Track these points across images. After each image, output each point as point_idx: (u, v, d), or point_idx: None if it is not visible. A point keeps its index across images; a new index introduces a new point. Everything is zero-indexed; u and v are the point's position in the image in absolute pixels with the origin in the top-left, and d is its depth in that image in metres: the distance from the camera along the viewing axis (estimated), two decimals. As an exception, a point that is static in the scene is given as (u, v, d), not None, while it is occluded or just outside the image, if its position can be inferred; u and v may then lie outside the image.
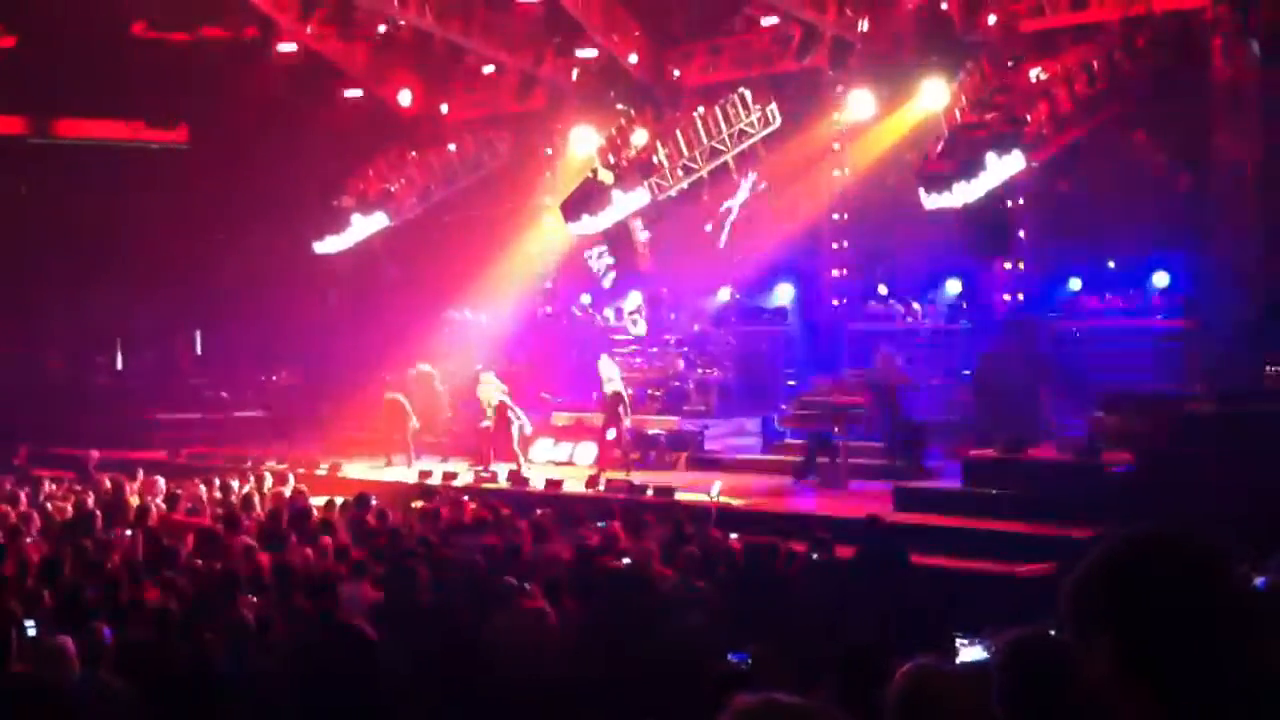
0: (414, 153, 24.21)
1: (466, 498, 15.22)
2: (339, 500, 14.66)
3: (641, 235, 21.14)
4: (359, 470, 20.31)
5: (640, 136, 20.61)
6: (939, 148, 16.86)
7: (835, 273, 22.78)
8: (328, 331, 25.40)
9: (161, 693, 6.60)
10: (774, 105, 19.99)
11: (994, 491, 14.31)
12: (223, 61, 24.39)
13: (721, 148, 20.04)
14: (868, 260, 22.21)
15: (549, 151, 24.37)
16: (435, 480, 18.38)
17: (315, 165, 24.52)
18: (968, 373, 19.38)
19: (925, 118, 18.77)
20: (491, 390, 20.15)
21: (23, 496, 15.34)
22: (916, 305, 21.19)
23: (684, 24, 21.99)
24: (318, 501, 14.94)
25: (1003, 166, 16.14)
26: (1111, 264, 20.48)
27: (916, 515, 14.13)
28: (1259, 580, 4.06)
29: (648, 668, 6.99)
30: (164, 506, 14.63)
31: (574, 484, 17.70)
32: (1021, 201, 19.28)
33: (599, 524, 12.76)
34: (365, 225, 23.48)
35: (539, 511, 13.09)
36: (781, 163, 21.39)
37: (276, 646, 7.72)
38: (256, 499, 15.43)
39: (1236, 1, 16.19)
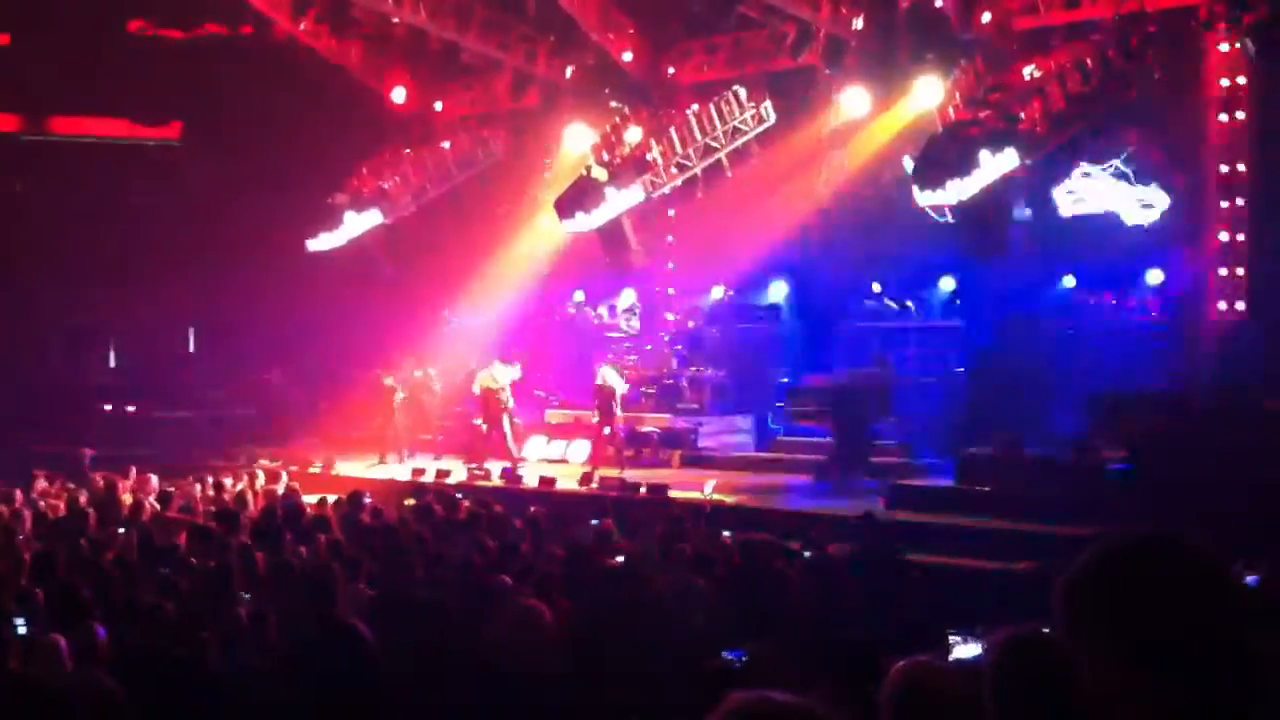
0: (408, 150, 24.19)
1: (460, 495, 15.22)
2: (332, 498, 14.65)
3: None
4: (353, 468, 20.31)
5: (634, 134, 20.60)
6: (933, 145, 16.86)
7: (829, 270, 22.79)
8: (321, 329, 25.37)
9: (155, 692, 6.58)
10: (768, 103, 20.00)
11: (988, 489, 14.34)
12: (217, 59, 24.36)
13: (715, 145, 20.04)
14: (862, 257, 22.21)
15: (544, 152, 24.37)
16: (429, 478, 18.38)
17: (309, 163, 24.48)
18: (962, 370, 19.41)
19: (919, 115, 18.77)
20: (499, 375, 20.25)
21: (17, 495, 15.30)
22: (910, 303, 21.20)
23: (679, 21, 21.97)
24: (311, 499, 14.93)
25: (996, 164, 16.14)
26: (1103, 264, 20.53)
27: (911, 513, 14.15)
28: (1251, 578, 4.07)
29: (642, 666, 6.99)
30: (157, 504, 14.61)
31: (568, 481, 17.71)
32: (1016, 199, 19.31)
33: (593, 522, 12.77)
34: (359, 223, 23.45)
35: (533, 509, 13.09)
36: (775, 160, 21.39)
37: (271, 645, 7.71)
38: (250, 497, 15.42)
39: (1230, -1, 16.22)
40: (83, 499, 14.92)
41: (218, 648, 7.51)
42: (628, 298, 24.44)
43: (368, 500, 14.14)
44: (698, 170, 20.15)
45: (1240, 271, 18.11)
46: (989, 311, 20.35)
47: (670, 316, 24.20)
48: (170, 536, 11.76)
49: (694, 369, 22.20)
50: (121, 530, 12.79)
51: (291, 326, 25.72)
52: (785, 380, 21.27)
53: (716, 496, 15.56)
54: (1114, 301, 19.71)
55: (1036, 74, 17.30)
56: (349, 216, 23.41)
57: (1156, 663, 1.95)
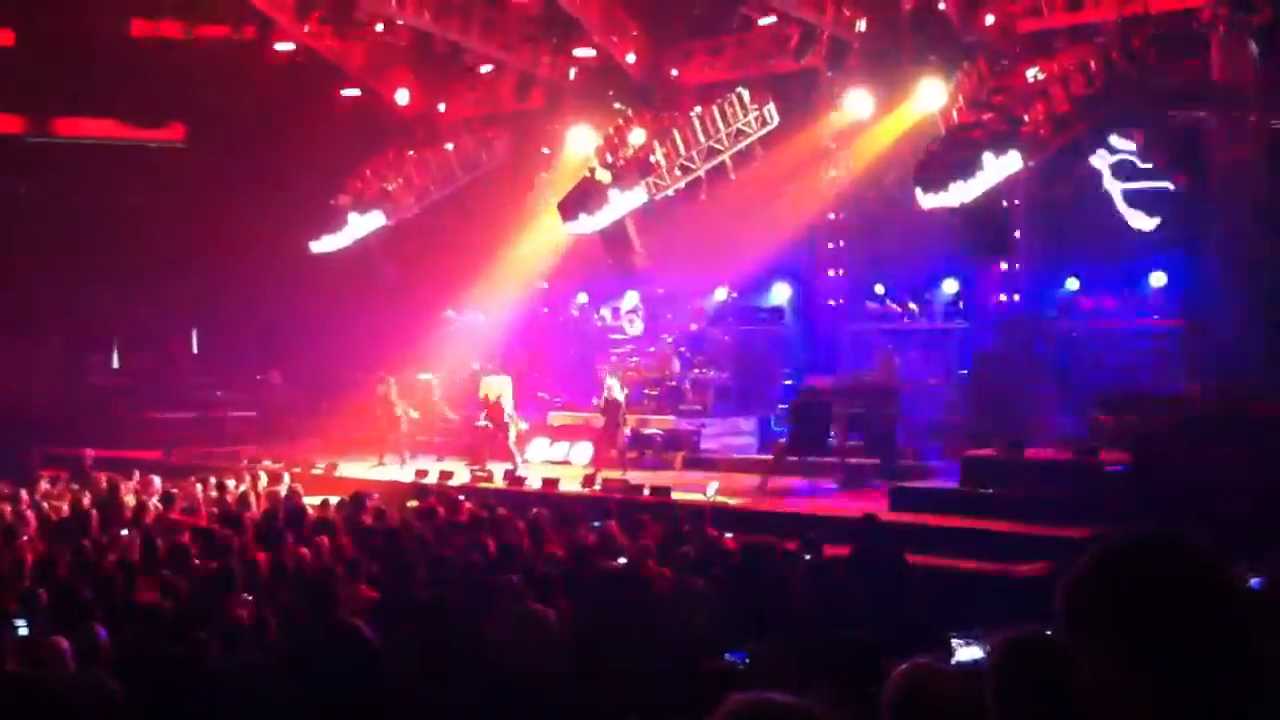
0: (411, 152, 24.18)
1: (463, 497, 15.21)
2: (334, 500, 14.66)
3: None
4: (355, 470, 20.31)
5: (638, 136, 20.60)
6: (936, 147, 16.86)
7: (832, 272, 22.80)
8: (324, 331, 25.38)
9: (157, 693, 6.58)
10: (771, 105, 19.99)
11: (991, 491, 14.33)
12: (220, 61, 24.36)
13: (719, 147, 20.03)
14: (865, 260, 22.21)
15: (546, 151, 24.38)
16: (432, 479, 18.37)
17: (312, 164, 24.49)
18: (965, 372, 19.40)
19: (923, 118, 18.77)
20: (495, 389, 20.27)
21: (23, 495, 15.30)
22: (913, 305, 21.20)
23: (682, 23, 21.96)
24: (313, 501, 14.94)
25: (1000, 166, 16.14)
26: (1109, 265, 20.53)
27: (913, 515, 14.14)
28: (1254, 580, 4.07)
29: (643, 666, 6.99)
30: (160, 506, 14.62)
31: (570, 483, 17.70)
32: (1018, 201, 19.32)
33: (595, 523, 12.77)
34: (362, 224, 23.46)
35: (535, 511, 13.08)
36: (779, 162, 21.39)
37: (273, 646, 7.71)
38: (252, 498, 15.44)
39: (1234, 1, 16.19)
40: (85, 500, 14.94)
41: (219, 648, 7.51)
42: (631, 300, 24.44)
43: (370, 502, 14.15)
44: (701, 172, 20.14)
45: (1245, 274, 18.08)
46: (992, 314, 20.36)
47: (668, 316, 24.19)
48: (173, 538, 11.76)
49: (697, 371, 22.20)
50: (124, 531, 12.81)
51: (294, 328, 25.74)
52: (789, 382, 21.29)
53: (719, 498, 15.55)
54: (1117, 304, 19.71)
55: (1040, 76, 17.29)
56: (352, 218, 23.41)
57: (1157, 663, 1.95)
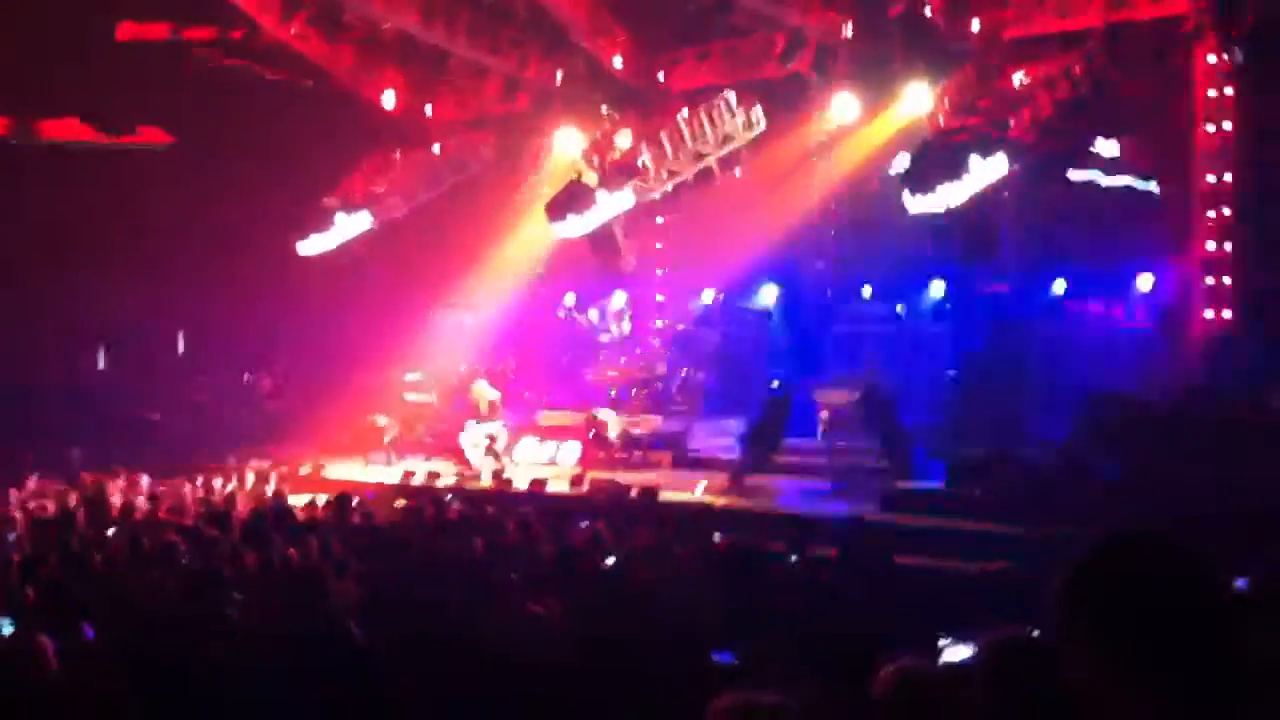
0: (398, 154, 24.17)
1: (450, 497, 15.22)
2: (321, 499, 14.65)
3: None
4: (342, 470, 20.29)
5: (625, 139, 20.63)
6: (923, 151, 16.93)
7: (819, 274, 22.84)
8: (311, 332, 25.35)
9: (145, 692, 6.59)
10: (759, 109, 20.02)
11: (977, 492, 14.38)
12: (207, 62, 24.31)
13: (706, 151, 20.06)
14: (852, 262, 22.26)
15: (535, 154, 24.39)
16: (419, 479, 18.36)
17: (299, 166, 24.45)
18: (951, 374, 19.46)
19: (909, 122, 18.83)
20: (484, 394, 20.24)
21: (12, 495, 15.27)
22: (900, 307, 21.25)
23: (669, 28, 22.00)
24: (299, 501, 14.93)
25: (986, 170, 16.21)
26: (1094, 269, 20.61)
27: (900, 516, 14.19)
28: (1239, 581, 4.11)
29: (631, 667, 7.01)
30: (147, 505, 14.60)
31: (558, 483, 17.71)
32: (1005, 205, 19.40)
33: (583, 523, 12.79)
34: (350, 226, 23.44)
35: (523, 511, 13.10)
36: (766, 166, 21.44)
37: (261, 645, 7.71)
38: (239, 498, 15.43)
39: (1218, 8, 16.29)
40: (73, 500, 14.91)
41: (208, 648, 7.51)
42: (618, 301, 24.47)
43: (356, 502, 14.15)
44: (688, 176, 20.17)
45: (1227, 280, 18.22)
46: (978, 316, 20.43)
47: (656, 323, 24.23)
48: (160, 537, 11.74)
49: (684, 372, 22.22)
50: (111, 531, 12.79)
51: (281, 328, 25.72)
52: (776, 384, 21.32)
53: (707, 498, 15.59)
54: (1103, 307, 19.79)
55: (1026, 82, 17.37)
56: (339, 219, 23.40)
57: (1144, 662, 1.98)
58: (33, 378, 26.50)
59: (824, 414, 18.13)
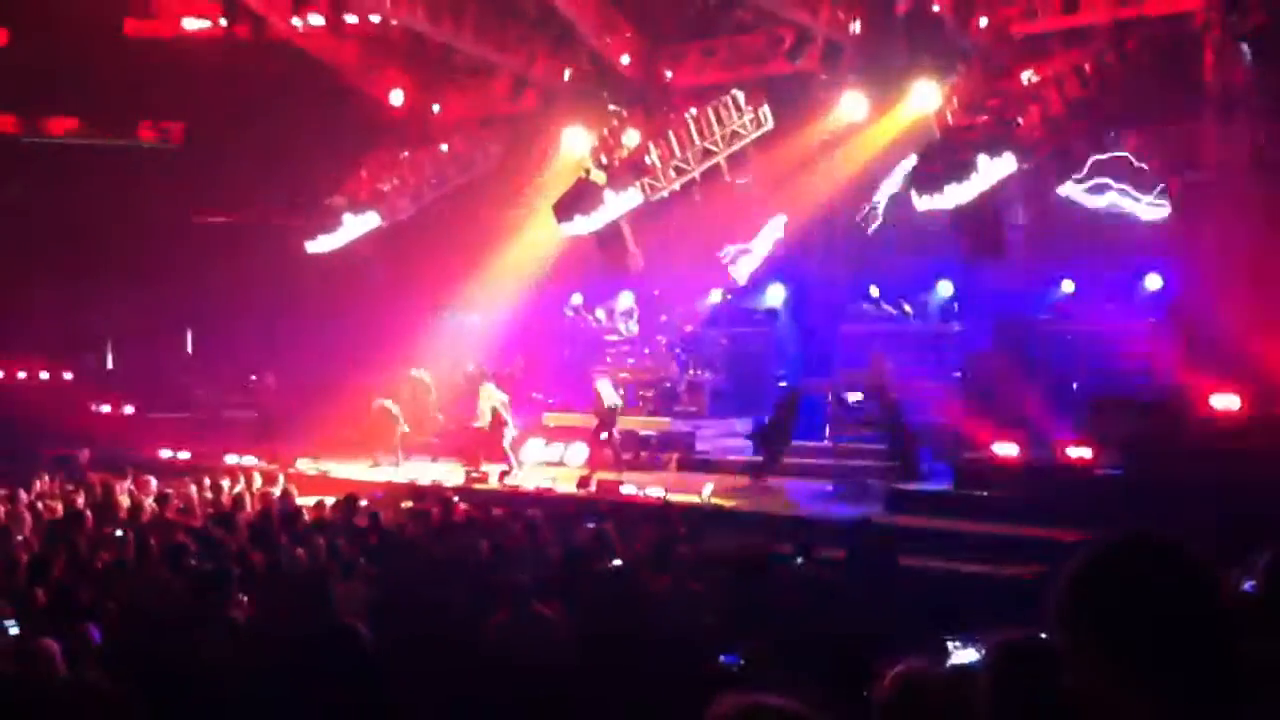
0: (406, 153, 24.17)
1: (457, 498, 15.22)
2: (329, 500, 14.65)
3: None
4: (349, 471, 20.30)
5: (632, 137, 20.61)
6: (931, 150, 16.89)
7: (826, 274, 22.80)
8: (319, 331, 25.38)
9: (152, 693, 6.59)
10: (766, 107, 20.00)
11: (984, 494, 14.34)
12: (214, 60, 24.34)
13: (714, 149, 20.04)
14: (859, 262, 22.22)
15: (542, 152, 24.39)
16: (426, 481, 18.37)
17: (307, 165, 24.48)
18: (959, 374, 19.41)
19: (917, 120, 18.79)
20: (492, 396, 20.23)
21: (21, 495, 15.26)
22: (908, 307, 21.21)
23: (676, 25, 21.98)
24: (307, 502, 14.93)
25: (994, 169, 16.17)
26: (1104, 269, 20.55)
27: (907, 517, 14.15)
28: (1247, 583, 4.08)
29: (637, 669, 7.00)
30: (155, 506, 14.62)
31: (565, 485, 17.70)
32: (1013, 204, 19.38)
33: (590, 525, 12.78)
34: (357, 225, 23.45)
35: (530, 512, 13.09)
36: (773, 164, 21.42)
37: (268, 646, 7.71)
38: (247, 499, 15.44)
39: (1227, 4, 16.24)
40: (80, 500, 14.92)
41: (215, 649, 7.51)
42: (626, 301, 24.45)
43: (364, 503, 14.15)
44: (696, 174, 20.15)
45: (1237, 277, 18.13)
46: (987, 316, 20.38)
47: (662, 318, 24.20)
48: (168, 538, 11.76)
49: (692, 373, 22.20)
50: (119, 532, 12.80)
51: (288, 328, 25.73)
52: (783, 384, 21.32)
53: (714, 500, 15.57)
54: (1112, 307, 19.74)
55: (1034, 79, 17.32)
56: (347, 218, 23.41)
57: (1146, 663, 1.97)
58: (40, 377, 26.58)
59: (830, 415, 18.13)
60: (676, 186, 20.19)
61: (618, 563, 10.52)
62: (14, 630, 8.02)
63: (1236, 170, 17.82)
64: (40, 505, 14.77)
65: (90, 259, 25.87)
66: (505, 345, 24.31)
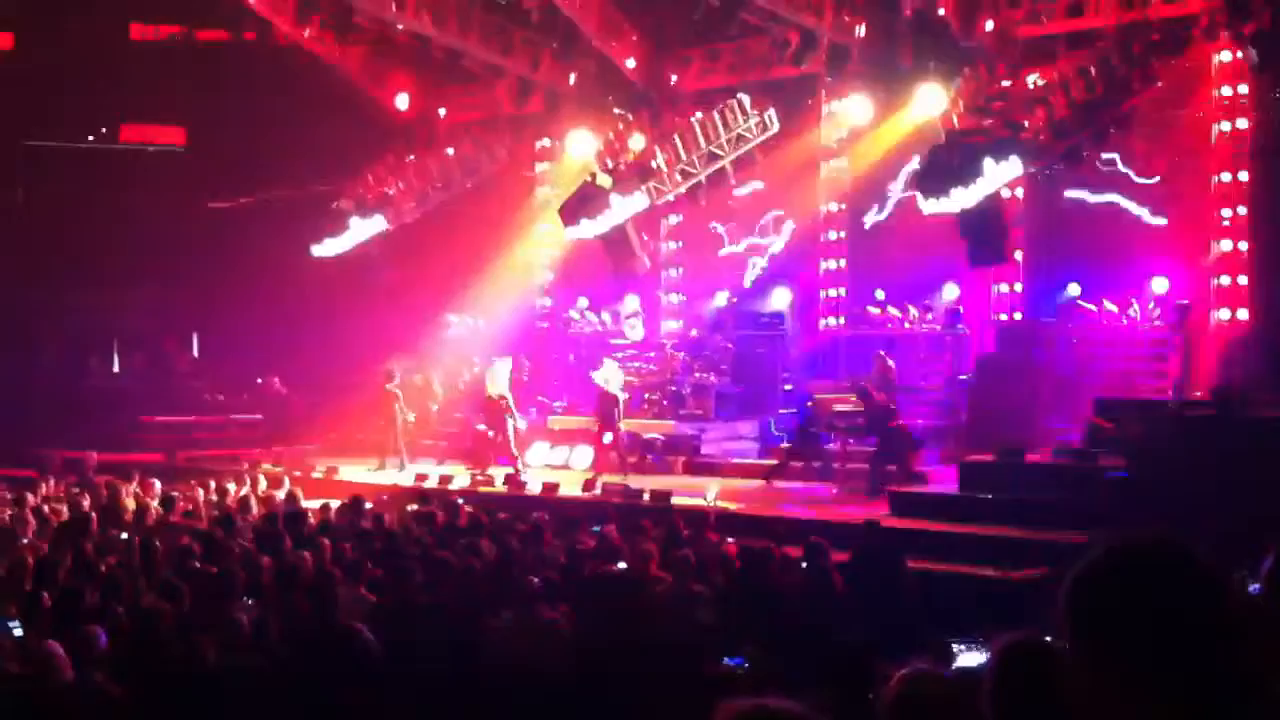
0: (412, 156, 24.21)
1: (462, 501, 15.21)
2: (334, 504, 14.66)
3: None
4: (355, 473, 20.31)
5: (638, 141, 20.63)
6: (937, 153, 16.88)
7: (830, 277, 22.79)
8: (324, 334, 25.41)
9: (156, 696, 6.60)
10: (772, 111, 20.01)
11: (990, 496, 14.33)
12: (220, 64, 24.41)
13: (719, 152, 20.05)
14: (865, 265, 22.20)
15: (547, 155, 24.39)
16: (432, 483, 18.37)
17: (313, 168, 24.53)
18: (965, 378, 19.39)
19: (922, 123, 18.79)
20: (500, 379, 20.25)
21: (29, 497, 15.27)
22: (914, 310, 21.19)
23: (681, 28, 21.99)
24: (312, 505, 14.94)
25: (1000, 172, 16.15)
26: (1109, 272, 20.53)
27: (913, 520, 14.13)
28: (1253, 586, 4.07)
29: (643, 671, 7.00)
30: (160, 509, 14.63)
31: (571, 487, 17.70)
32: (1019, 207, 19.37)
33: (595, 528, 12.78)
34: (363, 228, 23.49)
35: (535, 515, 13.09)
36: (779, 167, 21.42)
37: (273, 649, 7.72)
38: (253, 502, 15.45)
39: (1232, 8, 16.23)
40: (86, 503, 14.94)
41: (219, 652, 7.52)
42: (631, 304, 24.46)
43: (369, 506, 14.15)
44: (702, 178, 20.16)
45: (1243, 280, 18.14)
46: (992, 319, 20.37)
47: (674, 324, 24.23)
48: (173, 541, 11.77)
49: (697, 376, 22.19)
50: (125, 535, 12.81)
51: (294, 331, 25.77)
52: (789, 387, 21.32)
53: (719, 503, 15.55)
54: (1118, 309, 19.72)
55: (1040, 82, 17.31)
56: (353, 222, 23.44)
57: (1154, 666, 1.97)
58: (46, 380, 26.62)
59: (826, 418, 18.13)
60: (683, 190, 20.20)
61: (622, 565, 10.53)
62: (18, 632, 8.03)
63: (1241, 172, 17.82)
64: (46, 508, 14.78)
65: (96, 262, 25.91)
66: (511, 348, 24.30)
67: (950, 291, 21.11)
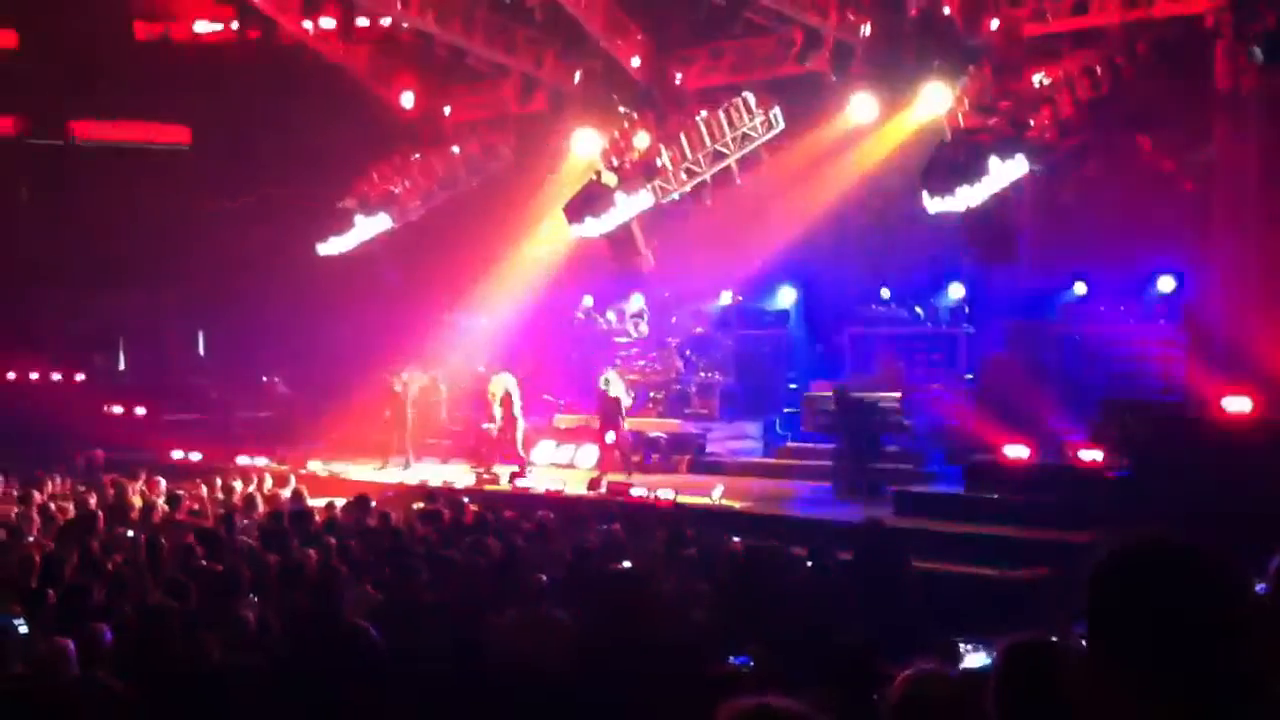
0: (416, 155, 24.22)
1: (467, 500, 15.23)
2: (339, 502, 14.68)
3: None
4: (360, 472, 20.34)
5: (642, 139, 20.61)
6: (942, 152, 16.86)
7: (838, 276, 22.79)
8: (329, 333, 25.44)
9: (162, 694, 6.61)
10: (777, 109, 20.00)
11: (994, 496, 14.32)
12: (225, 62, 24.41)
13: (725, 151, 20.04)
14: (870, 264, 22.20)
15: (552, 154, 24.35)
16: (437, 482, 18.39)
17: (318, 167, 24.54)
18: (969, 377, 19.39)
19: (928, 121, 18.77)
20: (504, 384, 20.27)
21: (35, 496, 15.31)
22: (919, 309, 21.18)
23: (685, 27, 21.97)
24: (317, 503, 14.96)
25: (1006, 171, 16.14)
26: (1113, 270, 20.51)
27: (916, 520, 14.13)
28: (1259, 586, 4.08)
29: (647, 670, 7.00)
30: (166, 507, 14.66)
31: (576, 486, 17.71)
32: (1025, 206, 19.34)
33: (601, 526, 12.79)
34: (368, 227, 23.50)
35: (540, 514, 13.10)
36: (784, 166, 21.40)
37: (278, 647, 7.73)
38: (258, 500, 15.47)
39: (1238, 6, 16.19)
40: (92, 501, 14.97)
41: (224, 650, 7.53)
42: (636, 303, 24.46)
43: (374, 504, 14.17)
44: (707, 176, 20.16)
45: (1250, 280, 18.10)
46: (999, 318, 20.35)
47: (673, 319, 24.19)
48: (180, 539, 11.79)
49: (702, 375, 22.19)
50: (131, 533, 12.84)
51: (299, 330, 25.79)
52: (794, 386, 21.30)
53: (724, 502, 15.56)
54: (1124, 309, 19.70)
55: (1046, 81, 17.29)
56: (358, 220, 23.46)
57: (1154, 665, 1.97)
58: (51, 379, 26.66)
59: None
60: (688, 188, 20.20)
61: (627, 564, 10.53)
62: (23, 629, 8.05)
63: (1248, 172, 17.77)
64: (53, 506, 14.82)
65: (101, 261, 25.95)
66: (515, 347, 24.32)
67: (955, 290, 21.10)
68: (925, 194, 16.59)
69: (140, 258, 25.87)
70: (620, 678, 6.91)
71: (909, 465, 17.39)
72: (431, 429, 22.62)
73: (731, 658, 7.32)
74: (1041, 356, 18.75)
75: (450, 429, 22.87)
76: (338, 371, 24.78)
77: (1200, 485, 11.97)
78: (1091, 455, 14.41)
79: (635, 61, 21.73)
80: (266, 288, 25.59)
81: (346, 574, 9.77)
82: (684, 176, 19.99)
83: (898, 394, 17.99)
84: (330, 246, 23.82)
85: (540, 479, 18.50)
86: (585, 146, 22.54)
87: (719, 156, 20.06)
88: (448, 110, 24.65)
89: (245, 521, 13.56)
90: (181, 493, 15.47)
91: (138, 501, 15.13)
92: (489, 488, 18.11)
